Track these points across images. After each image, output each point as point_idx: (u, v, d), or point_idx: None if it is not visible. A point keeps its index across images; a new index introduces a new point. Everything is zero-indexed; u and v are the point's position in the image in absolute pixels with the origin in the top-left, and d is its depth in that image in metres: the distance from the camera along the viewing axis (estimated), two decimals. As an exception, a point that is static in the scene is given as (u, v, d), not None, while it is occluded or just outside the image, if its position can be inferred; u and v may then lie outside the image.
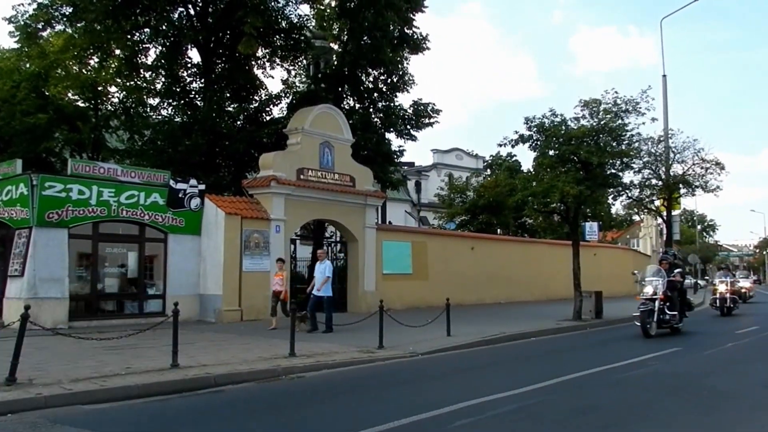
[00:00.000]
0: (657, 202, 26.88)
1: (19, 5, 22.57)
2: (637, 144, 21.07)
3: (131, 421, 7.63)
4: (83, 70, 25.44)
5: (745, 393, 9.12)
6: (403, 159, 29.01)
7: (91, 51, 24.04)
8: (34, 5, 22.37)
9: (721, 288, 24.52)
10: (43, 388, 8.45)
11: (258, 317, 19.20)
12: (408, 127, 26.63)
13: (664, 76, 27.64)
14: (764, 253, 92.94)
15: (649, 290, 16.01)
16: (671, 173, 24.89)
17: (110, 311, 18.53)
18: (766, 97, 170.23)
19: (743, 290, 32.63)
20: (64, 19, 23.03)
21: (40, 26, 23.42)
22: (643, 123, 23.47)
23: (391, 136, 27.10)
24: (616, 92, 20.28)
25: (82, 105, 26.64)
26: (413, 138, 27.03)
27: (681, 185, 25.09)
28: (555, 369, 11.00)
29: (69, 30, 23.77)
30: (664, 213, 26.61)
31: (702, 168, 24.57)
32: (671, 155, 24.63)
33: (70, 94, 26.41)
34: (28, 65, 25.55)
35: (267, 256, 20.20)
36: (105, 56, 24.53)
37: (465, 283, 27.00)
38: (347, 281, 23.44)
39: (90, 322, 16.83)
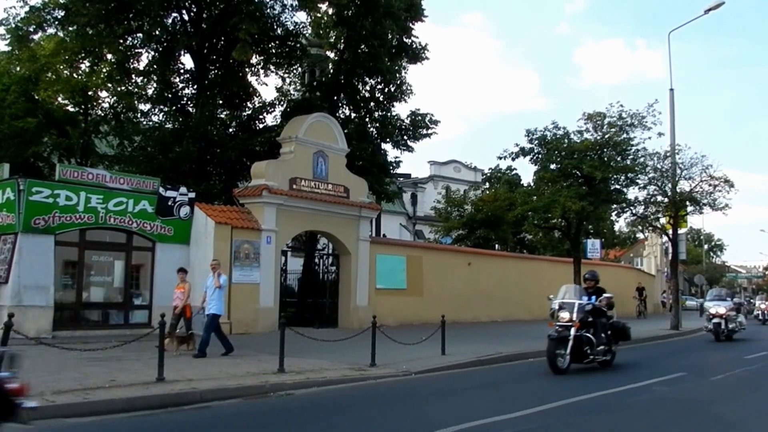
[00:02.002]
0: (662, 220, 26.47)
1: (10, 8, 22.32)
2: (642, 159, 20.67)
3: None
4: (74, 75, 25.03)
5: (753, 422, 8.73)
6: (399, 170, 28.62)
7: (83, 55, 23.70)
8: (26, 8, 22.06)
9: (717, 310, 22.55)
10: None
11: (247, 331, 18.85)
12: (405, 137, 26.27)
13: (672, 89, 27.13)
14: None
15: (565, 315, 12.94)
16: (678, 190, 24.45)
17: (95, 321, 18.25)
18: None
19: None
20: (56, 22, 22.68)
21: (31, 29, 23.09)
22: (649, 138, 23.15)
23: (387, 146, 26.84)
24: (621, 105, 20.00)
25: (72, 110, 26.33)
26: (410, 149, 26.68)
27: (688, 202, 24.67)
28: (554, 392, 10.56)
29: (60, 33, 23.39)
30: (670, 231, 26.14)
31: (710, 185, 24.24)
32: (678, 171, 24.21)
33: (60, 99, 26.09)
34: (18, 68, 25.24)
35: (257, 267, 19.78)
36: (96, 61, 24.15)
37: (461, 300, 26.41)
38: (339, 295, 22.96)
39: (74, 332, 16.52)
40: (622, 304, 33.39)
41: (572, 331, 12.60)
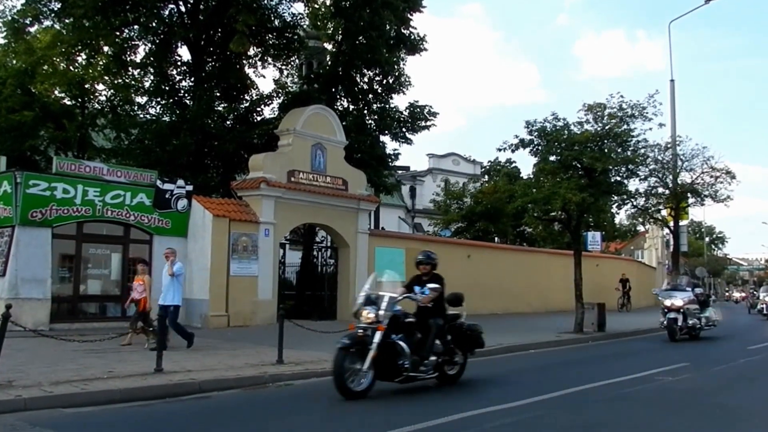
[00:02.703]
0: (664, 212, 26.34)
1: (6, 0, 22.13)
2: (643, 150, 20.46)
3: (112, 426, 7.52)
4: (70, 67, 24.96)
5: (757, 412, 8.66)
6: (397, 163, 28.48)
7: (79, 48, 23.66)
8: (22, 0, 21.92)
9: (672, 302, 18.62)
10: (23, 390, 8.38)
11: (245, 323, 18.85)
12: (403, 129, 26.11)
13: (672, 80, 27.08)
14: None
15: (369, 314, 9.13)
16: (679, 182, 24.33)
17: (92, 314, 18.23)
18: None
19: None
20: (52, 14, 22.69)
21: (27, 22, 23.11)
22: (650, 129, 22.98)
23: (385, 138, 26.67)
24: (621, 96, 19.69)
25: (69, 103, 26.24)
26: (409, 141, 26.53)
27: (689, 194, 24.53)
28: (556, 382, 10.47)
29: (57, 26, 23.43)
30: (671, 223, 26.03)
31: (711, 177, 24.07)
32: (679, 163, 24.10)
33: (56, 92, 25.96)
34: (14, 61, 25.17)
35: (255, 260, 19.70)
36: (93, 53, 24.12)
37: (460, 293, 26.30)
38: (337, 288, 22.85)
39: (71, 325, 16.44)
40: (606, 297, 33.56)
41: (376, 337, 8.85)
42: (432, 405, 8.76)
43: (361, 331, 9.01)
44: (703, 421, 7.94)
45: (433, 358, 9.72)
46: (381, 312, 9.08)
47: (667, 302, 18.59)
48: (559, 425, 7.60)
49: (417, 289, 10.07)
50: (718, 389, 10.37)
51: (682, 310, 18.23)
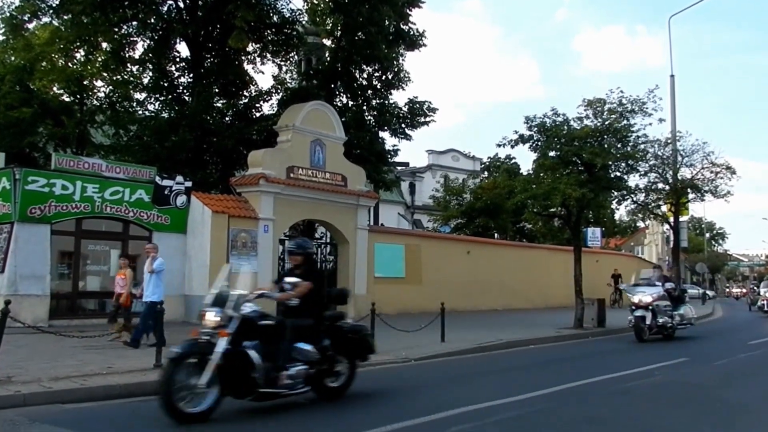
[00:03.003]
0: (664, 208, 26.33)
1: (4, -3, 22.11)
2: (643, 146, 20.43)
3: (112, 421, 7.46)
4: (69, 64, 24.94)
5: (758, 406, 8.65)
6: (397, 159, 28.46)
7: (78, 44, 23.67)
8: (21, -3, 21.93)
9: (640, 298, 17.14)
10: (23, 386, 8.38)
11: (245, 320, 18.60)
12: (402, 125, 26.10)
13: (672, 76, 27.11)
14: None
15: (213, 317, 7.40)
16: (679, 177, 24.32)
17: (92, 310, 18.14)
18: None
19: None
20: (51, 11, 22.76)
21: (26, 18, 23.16)
22: (650, 124, 23.01)
23: (385, 134, 26.67)
24: (621, 92, 19.65)
25: (67, 99, 26.23)
26: (408, 137, 26.52)
27: (689, 190, 24.53)
28: (556, 377, 10.50)
29: (55, 22, 23.42)
30: (671, 219, 26.02)
31: (712, 172, 24.08)
32: (679, 158, 24.11)
33: (55, 88, 25.93)
34: (12, 58, 25.17)
35: (255, 256, 19.65)
36: (91, 49, 24.10)
37: (460, 289, 26.28)
38: (337, 284, 22.72)
39: (71, 321, 16.37)
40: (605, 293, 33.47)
41: (219, 345, 7.15)
42: (428, 399, 8.73)
43: (204, 337, 7.33)
44: (703, 415, 7.91)
45: (302, 368, 7.80)
46: (228, 313, 7.36)
47: (635, 299, 17.12)
48: (561, 419, 7.58)
49: (287, 284, 8.31)
50: (719, 384, 10.33)
51: (650, 307, 16.68)
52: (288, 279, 8.38)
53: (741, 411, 8.21)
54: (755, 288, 37.93)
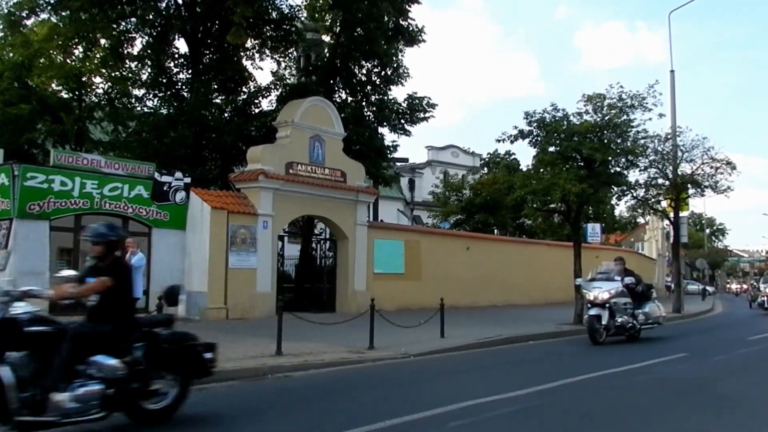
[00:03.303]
0: (664, 203, 26.34)
1: (2, -7, 22.04)
2: (643, 141, 20.44)
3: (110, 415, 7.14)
4: (67, 60, 24.80)
5: (756, 400, 8.67)
6: (396, 155, 28.44)
7: (76, 40, 23.52)
8: (18, -7, 21.86)
9: (594, 295, 15.26)
10: None
11: (244, 316, 18.74)
12: (402, 121, 26.02)
13: (672, 71, 27.07)
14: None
15: None
16: (679, 173, 24.33)
17: (91, 306, 17.96)
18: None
19: None
20: (49, 7, 22.66)
21: (24, 14, 23.07)
22: (650, 119, 22.93)
23: (384, 130, 26.59)
24: (621, 87, 19.64)
25: (66, 96, 26.05)
26: (407, 133, 26.43)
27: (689, 185, 24.56)
28: (556, 372, 10.49)
29: (53, 19, 23.33)
30: (671, 214, 26.02)
31: (712, 168, 24.11)
32: (679, 154, 24.12)
33: (53, 85, 25.81)
34: (11, 54, 25.02)
35: (254, 252, 19.64)
36: (90, 46, 23.99)
37: (459, 285, 26.27)
38: (336, 280, 22.83)
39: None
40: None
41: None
42: (427, 395, 8.73)
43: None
44: (702, 409, 7.94)
45: (94, 387, 6.09)
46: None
47: (590, 295, 15.30)
48: (560, 413, 7.61)
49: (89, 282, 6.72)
50: (718, 378, 10.34)
51: (607, 305, 14.85)
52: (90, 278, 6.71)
53: (739, 405, 8.23)
54: (755, 284, 36.36)
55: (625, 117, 19.43)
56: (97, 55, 24.47)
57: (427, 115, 26.18)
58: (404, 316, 16.49)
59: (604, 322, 14.75)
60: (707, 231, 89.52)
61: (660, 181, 24.33)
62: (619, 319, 15.09)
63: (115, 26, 23.19)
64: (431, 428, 6.78)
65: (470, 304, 25.58)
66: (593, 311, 14.91)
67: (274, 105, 25.11)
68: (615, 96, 19.50)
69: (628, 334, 15.47)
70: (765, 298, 28.79)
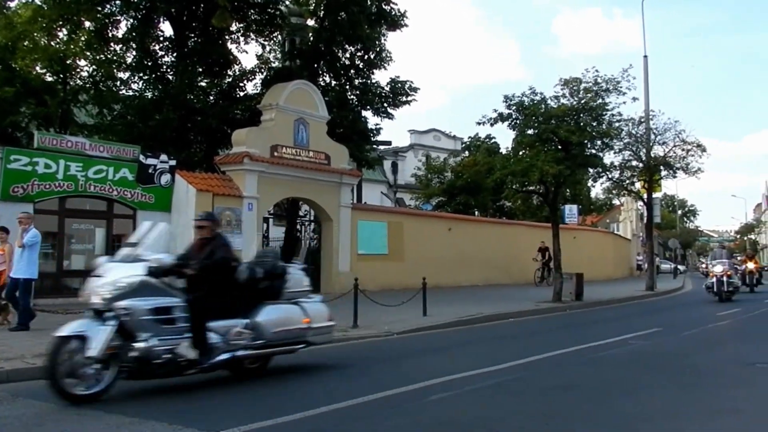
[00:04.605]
0: (637, 185, 26.84)
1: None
2: (617, 124, 20.86)
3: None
4: (52, 43, 24.64)
5: (726, 370, 9.08)
6: (379, 138, 28.64)
7: (60, 23, 23.40)
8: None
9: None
10: (5, 362, 8.39)
11: (230, 296, 18.82)
12: (385, 104, 26.26)
13: (645, 56, 27.61)
14: (745, 238, 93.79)
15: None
16: (652, 155, 24.82)
17: (76, 289, 17.83)
18: (748, 84, 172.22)
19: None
20: (33, -11, 22.39)
21: (8, -4, 22.76)
22: (624, 102, 23.45)
23: (367, 113, 26.84)
24: (596, 71, 20.02)
25: (50, 78, 25.82)
26: (390, 116, 26.68)
27: (662, 167, 25.06)
28: (534, 347, 10.86)
29: (37, 1, 23.11)
30: (645, 196, 26.54)
31: (683, 150, 24.61)
32: (652, 137, 24.56)
33: (37, 68, 25.58)
34: (-5, 37, 24.73)
35: (239, 234, 19.80)
36: (74, 28, 23.83)
37: (442, 265, 26.71)
38: (321, 261, 23.11)
39: (55, 300, 16.31)
40: (602, 268, 33.81)
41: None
42: (410, 370, 9.08)
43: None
44: (673, 379, 8.28)
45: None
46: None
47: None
48: (538, 386, 7.87)
49: None
50: (689, 351, 10.78)
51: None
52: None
53: (707, 375, 8.62)
54: (704, 262, 34.56)
55: (600, 100, 19.84)
56: (82, 38, 24.29)
57: (409, 98, 26.43)
58: (387, 295, 16.74)
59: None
60: (679, 212, 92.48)
61: (634, 163, 24.88)
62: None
63: (99, 9, 23.07)
64: (412, 401, 6.91)
65: (452, 284, 26.02)
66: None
67: (259, 88, 25.23)
68: (591, 80, 19.90)
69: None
70: (713, 281, 21.87)
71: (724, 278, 21.23)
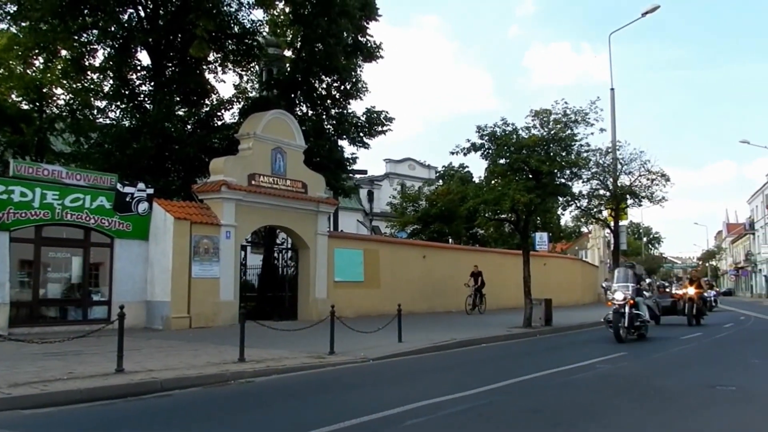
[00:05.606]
0: (605, 213, 27.35)
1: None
2: (585, 154, 21.40)
3: (73, 425, 7.45)
4: (28, 71, 24.69)
5: (690, 393, 9.36)
6: (355, 167, 28.91)
7: (37, 51, 23.44)
8: (-24, 2, 21.75)
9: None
10: None
11: (207, 324, 18.99)
12: (361, 134, 26.59)
13: (612, 89, 28.28)
14: (707, 264, 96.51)
15: None
16: (618, 184, 25.40)
17: (53, 318, 17.99)
18: (709, 115, 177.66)
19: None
20: (8, 17, 22.53)
21: (-18, 24, 22.76)
22: (592, 133, 23.91)
23: (343, 143, 27.11)
24: (566, 103, 20.59)
25: (26, 107, 25.81)
26: (366, 145, 27.02)
27: (628, 196, 25.62)
28: (505, 372, 11.07)
29: (13, 29, 23.19)
30: (612, 223, 27.10)
31: (648, 179, 25.16)
32: (618, 166, 25.12)
33: (13, 95, 25.57)
34: (-31, 64, 24.72)
35: (217, 262, 19.93)
36: (51, 57, 23.89)
37: (416, 292, 27.01)
38: (298, 288, 23.23)
39: (31, 329, 16.16)
40: (571, 294, 34.17)
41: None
42: (385, 396, 9.28)
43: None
44: (640, 402, 8.55)
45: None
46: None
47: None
48: (509, 410, 8.07)
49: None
50: (654, 374, 11.11)
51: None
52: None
53: (672, 397, 8.87)
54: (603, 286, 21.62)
55: (569, 131, 20.39)
56: (58, 66, 24.28)
57: (385, 128, 26.78)
58: (364, 322, 16.90)
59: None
60: (644, 239, 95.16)
61: (601, 192, 25.34)
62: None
63: (76, 38, 23.07)
64: (388, 427, 6.98)
65: (426, 310, 26.30)
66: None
67: (237, 117, 25.34)
68: (560, 111, 20.46)
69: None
70: (610, 312, 16.82)
71: (626, 309, 16.42)
